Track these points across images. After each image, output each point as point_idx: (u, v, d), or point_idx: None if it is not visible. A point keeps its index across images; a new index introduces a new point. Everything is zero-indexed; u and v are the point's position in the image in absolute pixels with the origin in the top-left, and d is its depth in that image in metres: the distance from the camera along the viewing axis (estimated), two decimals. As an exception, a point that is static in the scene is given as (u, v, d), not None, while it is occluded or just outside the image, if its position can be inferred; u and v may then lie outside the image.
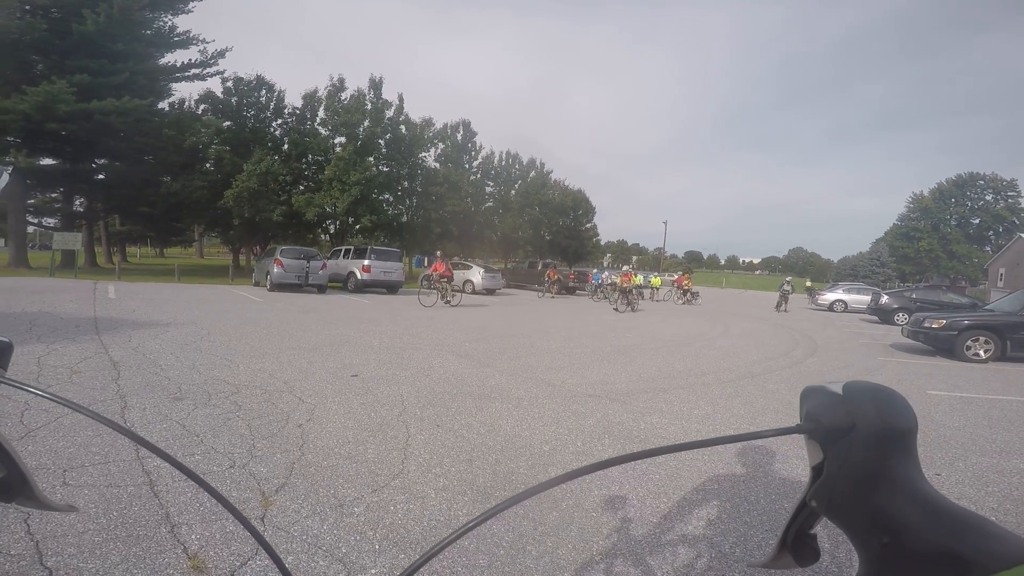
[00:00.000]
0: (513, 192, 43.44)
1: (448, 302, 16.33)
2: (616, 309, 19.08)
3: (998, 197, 66.98)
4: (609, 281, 25.34)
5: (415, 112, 35.31)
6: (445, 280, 16.62)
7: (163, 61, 26.44)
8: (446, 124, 37.36)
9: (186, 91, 62.21)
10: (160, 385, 5.18)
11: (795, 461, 3.88)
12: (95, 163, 25.97)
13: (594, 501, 3.11)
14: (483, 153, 41.46)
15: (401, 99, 31.44)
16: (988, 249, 64.24)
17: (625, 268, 20.02)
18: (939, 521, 0.36)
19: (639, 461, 3.14)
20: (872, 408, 0.40)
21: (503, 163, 43.66)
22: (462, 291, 17.79)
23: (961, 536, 0.34)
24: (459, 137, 38.81)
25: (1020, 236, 46.76)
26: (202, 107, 28.93)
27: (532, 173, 45.17)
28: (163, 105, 27.41)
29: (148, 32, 24.81)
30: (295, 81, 70.81)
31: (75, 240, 22.35)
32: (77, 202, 27.49)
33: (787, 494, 3.36)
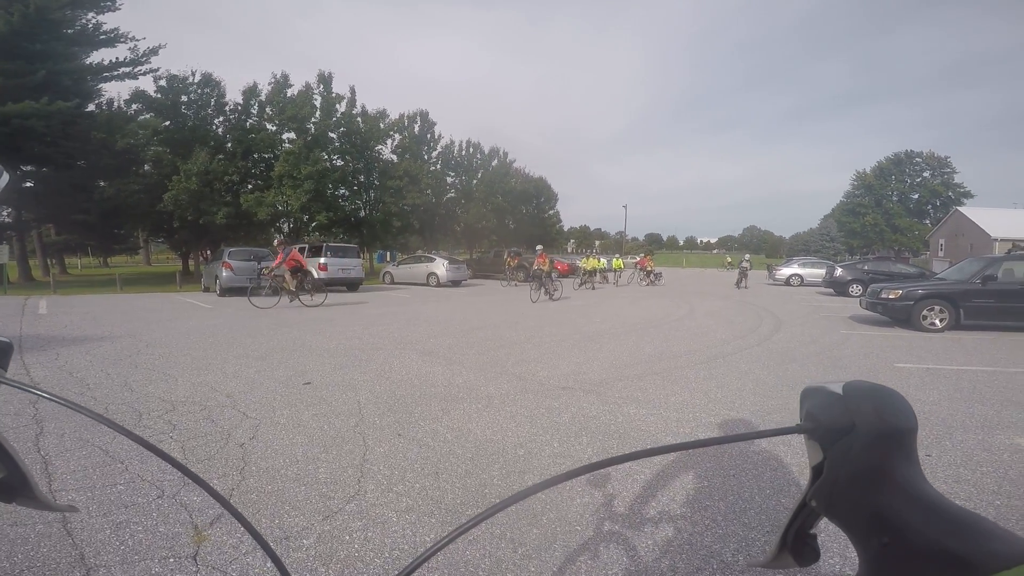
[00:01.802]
0: (475, 182, 42.93)
1: (300, 301, 13.41)
2: (531, 298, 15.90)
3: (935, 173, 70.61)
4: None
5: (376, 105, 34.27)
6: (298, 273, 13.53)
7: (90, 60, 24.67)
8: (403, 115, 36.47)
9: (119, 91, 58.70)
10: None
11: (785, 447, 3.69)
12: (20, 170, 24.06)
13: (577, 512, 2.80)
14: (442, 143, 40.77)
15: (353, 92, 30.50)
16: (927, 222, 67.76)
17: (539, 248, 18.58)
18: (939, 521, 0.35)
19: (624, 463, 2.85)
20: (872, 408, 0.40)
21: (464, 153, 43.06)
22: (324, 289, 14.54)
23: (961, 536, 0.34)
24: (416, 128, 37.97)
25: (956, 209, 49.44)
26: (135, 107, 27.26)
27: (495, 162, 44.77)
28: (92, 107, 25.61)
29: (70, 31, 23.00)
30: (253, 78, 67.71)
31: (1, 253, 20.64)
32: (4, 212, 25.47)
33: (786, 492, 3.15)
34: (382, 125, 31.74)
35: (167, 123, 26.97)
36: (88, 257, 54.65)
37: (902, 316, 10.37)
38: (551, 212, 50.25)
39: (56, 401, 0.53)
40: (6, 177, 0.76)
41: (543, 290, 16.25)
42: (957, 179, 69.58)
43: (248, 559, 2.35)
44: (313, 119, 28.10)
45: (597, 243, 66.55)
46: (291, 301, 13.50)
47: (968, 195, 67.58)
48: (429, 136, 39.01)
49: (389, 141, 33.69)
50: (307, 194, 25.64)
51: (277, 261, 13.55)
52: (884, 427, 0.39)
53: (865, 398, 0.41)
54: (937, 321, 10.09)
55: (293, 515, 2.75)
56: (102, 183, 25.45)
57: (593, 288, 22.51)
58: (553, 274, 18.44)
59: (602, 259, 29.60)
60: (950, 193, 67.97)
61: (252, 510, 2.80)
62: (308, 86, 28.88)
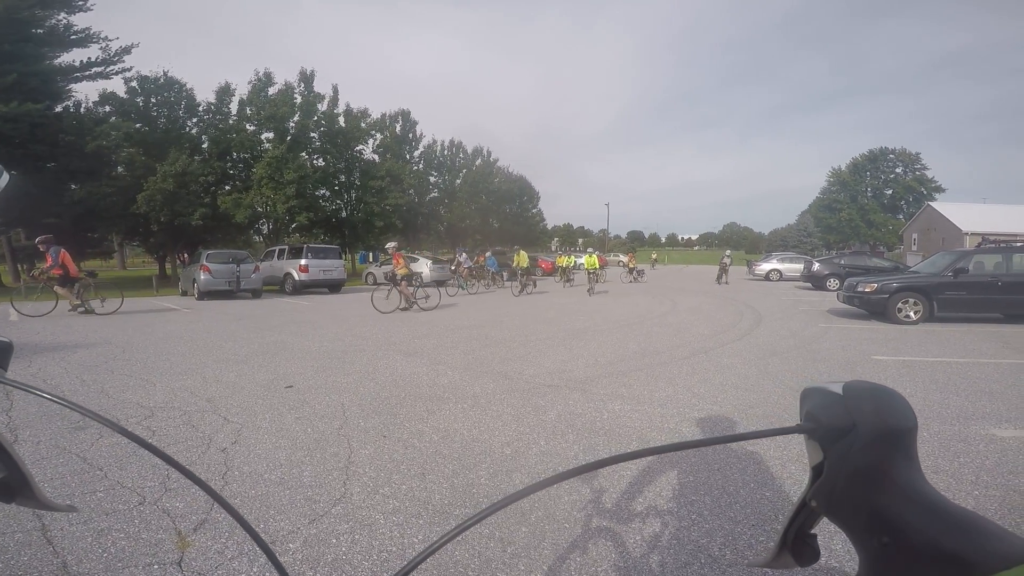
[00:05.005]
0: (459, 181, 42.84)
1: (87, 308, 11.95)
2: (376, 307, 12.56)
3: (907, 169, 72.23)
4: (467, 264, 21.05)
5: (359, 104, 33.93)
6: (71, 283, 11.89)
7: (59, 61, 23.97)
8: (384, 114, 36.22)
9: (89, 92, 57.40)
10: (59, 414, 4.48)
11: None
12: (-15, 172, 23.36)
13: (565, 510, 2.80)
14: (425, 143, 40.60)
15: (336, 90, 30.13)
16: (901, 217, 69.24)
17: (390, 246, 13.57)
18: (939, 521, 0.35)
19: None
20: (872, 408, 0.40)
21: (447, 152, 42.93)
22: (112, 296, 12.74)
23: (961, 536, 0.34)
24: (398, 128, 37.72)
25: (928, 205, 50.74)
26: (106, 108, 26.63)
27: (478, 161, 44.73)
28: (65, 106, 24.93)
29: (39, 31, 22.31)
30: (234, 79, 66.32)
31: (-32, 258, 20.05)
32: (-28, 217, 24.68)
33: (769, 485, 3.19)
34: (363, 124, 31.45)
35: (139, 125, 26.42)
36: (60, 261, 53.22)
37: (878, 309, 10.60)
38: (534, 211, 50.39)
39: (56, 401, 0.52)
40: (6, 177, 0.76)
41: (401, 297, 13.05)
42: (928, 174, 71.33)
43: (234, 564, 2.31)
44: (293, 119, 27.71)
45: (580, 241, 66.96)
46: (72, 310, 11.98)
47: (939, 190, 69.28)
48: (411, 135, 38.84)
49: (371, 141, 33.43)
50: (291, 199, 25.31)
51: (47, 263, 11.68)
52: (884, 427, 0.40)
53: (865, 398, 0.41)
54: (912, 313, 10.33)
55: (278, 519, 2.71)
56: (73, 186, 24.80)
57: (531, 292, 19.26)
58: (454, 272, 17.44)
59: (574, 256, 29.58)
60: (922, 188, 69.51)
61: (236, 516, 2.75)
62: (288, 85, 28.48)
